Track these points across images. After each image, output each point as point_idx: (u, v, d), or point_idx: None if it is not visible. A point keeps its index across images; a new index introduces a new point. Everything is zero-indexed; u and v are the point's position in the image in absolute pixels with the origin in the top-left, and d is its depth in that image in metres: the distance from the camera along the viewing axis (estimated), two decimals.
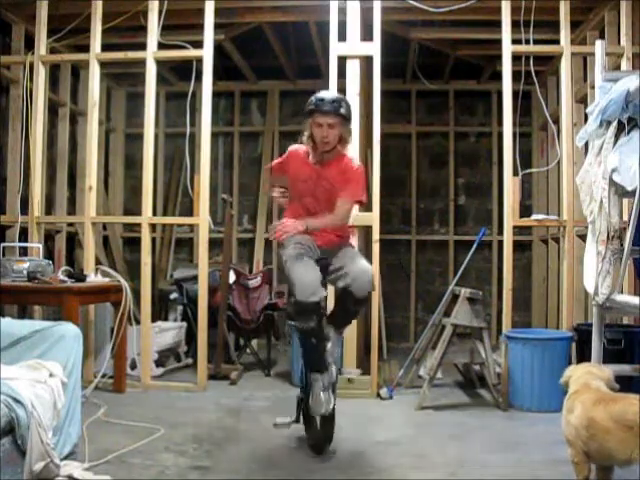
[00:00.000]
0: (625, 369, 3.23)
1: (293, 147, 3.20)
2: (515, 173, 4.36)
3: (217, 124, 6.70)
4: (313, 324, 2.80)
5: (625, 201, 3.55)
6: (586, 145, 3.26)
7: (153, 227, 5.12)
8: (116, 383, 4.19)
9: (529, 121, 6.62)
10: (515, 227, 4.31)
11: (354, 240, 3.22)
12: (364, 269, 2.86)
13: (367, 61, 4.43)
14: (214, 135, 5.35)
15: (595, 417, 2.20)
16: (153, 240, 6.29)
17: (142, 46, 4.47)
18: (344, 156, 3.10)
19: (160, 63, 4.70)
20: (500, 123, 4.70)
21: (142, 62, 4.48)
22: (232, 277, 4.96)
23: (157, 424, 3.33)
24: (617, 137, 2.92)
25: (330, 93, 3.16)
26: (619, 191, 2.90)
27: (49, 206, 5.55)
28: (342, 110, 2.98)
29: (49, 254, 5.22)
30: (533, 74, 4.60)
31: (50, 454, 2.16)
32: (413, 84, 6.77)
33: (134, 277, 5.12)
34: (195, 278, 4.62)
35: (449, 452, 3.03)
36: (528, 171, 5.26)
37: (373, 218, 4.22)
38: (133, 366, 4.53)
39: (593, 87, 3.62)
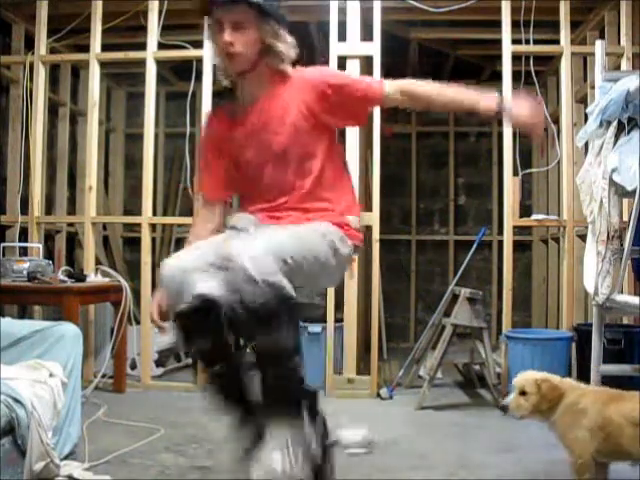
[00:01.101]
0: (625, 369, 3.23)
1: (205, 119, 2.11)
2: (515, 173, 4.36)
3: None
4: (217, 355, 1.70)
5: (625, 201, 3.55)
6: (586, 145, 3.26)
7: (153, 227, 5.12)
8: (116, 383, 4.19)
9: None
10: (515, 227, 4.31)
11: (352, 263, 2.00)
12: (251, 248, 1.68)
13: (367, 61, 4.43)
14: None
15: (609, 416, 2.21)
16: (153, 240, 6.26)
17: (142, 46, 4.47)
18: (290, 76, 1.90)
19: (160, 63, 4.69)
20: (500, 123, 4.67)
21: (142, 62, 4.48)
22: None
23: (157, 424, 3.33)
24: (617, 137, 2.91)
25: None
26: (619, 191, 2.89)
27: (49, 206, 5.54)
28: None
29: (49, 254, 5.21)
30: (533, 74, 4.60)
31: (50, 454, 2.15)
32: None
33: (134, 277, 5.12)
34: None
35: (449, 452, 3.03)
36: (528, 171, 5.26)
37: (373, 218, 4.23)
38: (133, 366, 4.53)
39: (593, 87, 3.62)
